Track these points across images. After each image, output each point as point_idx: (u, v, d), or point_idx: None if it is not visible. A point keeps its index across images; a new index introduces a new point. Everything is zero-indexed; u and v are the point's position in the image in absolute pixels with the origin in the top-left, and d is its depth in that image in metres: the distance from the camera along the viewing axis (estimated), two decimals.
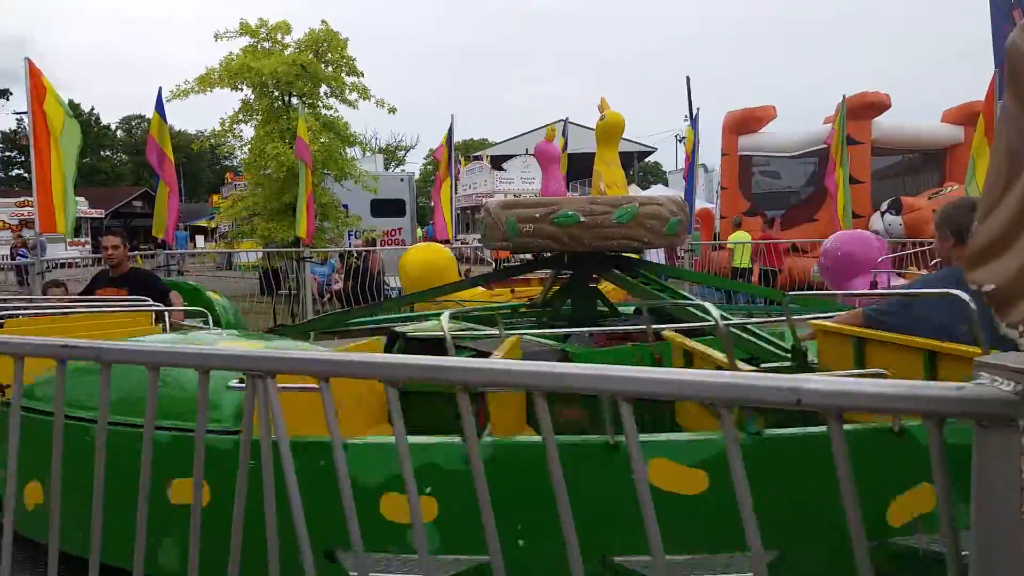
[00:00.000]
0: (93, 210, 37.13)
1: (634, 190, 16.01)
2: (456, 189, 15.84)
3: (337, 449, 1.58)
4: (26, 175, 45.94)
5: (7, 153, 59.94)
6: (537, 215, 5.74)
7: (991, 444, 1.02)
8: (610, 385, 1.24)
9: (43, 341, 2.10)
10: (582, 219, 5.66)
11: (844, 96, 12.66)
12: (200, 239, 39.71)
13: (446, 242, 15.22)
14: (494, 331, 4.83)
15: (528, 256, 8.15)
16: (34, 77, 8.26)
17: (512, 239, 5.91)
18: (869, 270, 8.78)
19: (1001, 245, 1.04)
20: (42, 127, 8.33)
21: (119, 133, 67.02)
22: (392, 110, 17.28)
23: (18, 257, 21.74)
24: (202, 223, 40.70)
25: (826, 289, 9.37)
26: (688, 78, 33.62)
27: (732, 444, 1.20)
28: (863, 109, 14.31)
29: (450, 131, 14.76)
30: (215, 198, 37.11)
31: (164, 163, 10.40)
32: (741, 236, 14.19)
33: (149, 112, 11.27)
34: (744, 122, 16.34)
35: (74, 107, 60.11)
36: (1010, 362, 1.02)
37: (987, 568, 0.99)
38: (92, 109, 62.97)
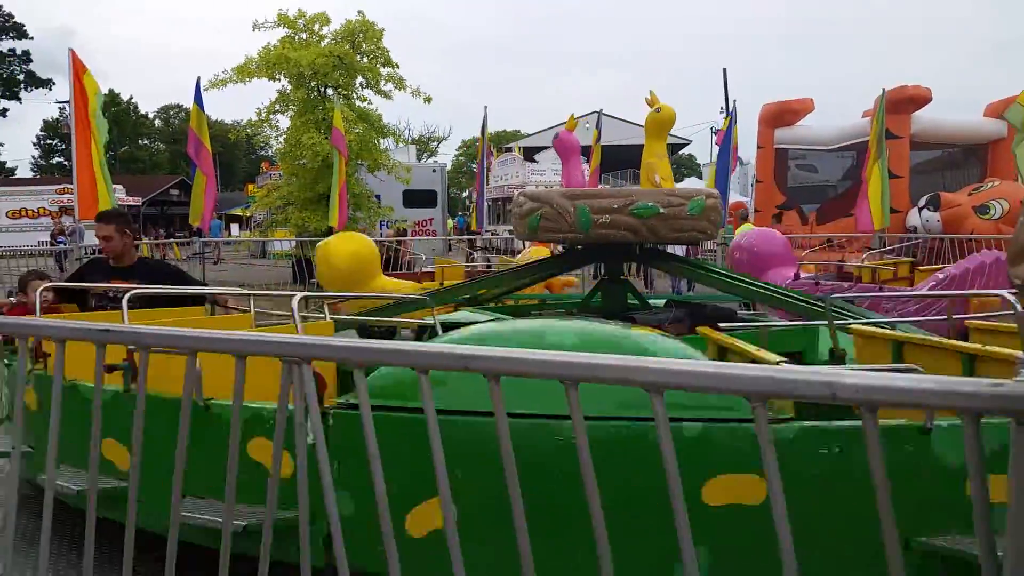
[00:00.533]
0: (130, 198, 37.70)
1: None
2: (487, 181, 15.82)
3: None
4: (66, 163, 46.86)
5: (48, 141, 61.17)
6: (616, 206, 5.56)
7: None
8: (641, 376, 1.24)
9: (83, 325, 2.15)
10: (662, 210, 5.55)
11: (884, 89, 12.44)
12: (235, 227, 40.22)
13: (476, 233, 15.26)
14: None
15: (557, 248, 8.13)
16: (76, 67, 8.42)
17: (582, 231, 5.65)
18: (776, 264, 9.48)
19: None
20: (83, 116, 8.48)
21: (157, 122, 68.01)
22: (427, 99, 17.37)
23: (57, 243, 22.15)
24: (237, 212, 41.18)
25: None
26: (725, 71, 33.22)
27: (765, 438, 1.19)
28: (903, 103, 14.04)
29: (484, 123, 14.78)
30: (250, 187, 37.54)
31: (202, 153, 10.57)
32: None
33: (187, 101, 11.52)
34: (781, 115, 16.13)
35: (113, 96, 60.92)
36: None
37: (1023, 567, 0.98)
38: (131, 98, 63.98)
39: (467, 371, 1.44)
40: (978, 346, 3.27)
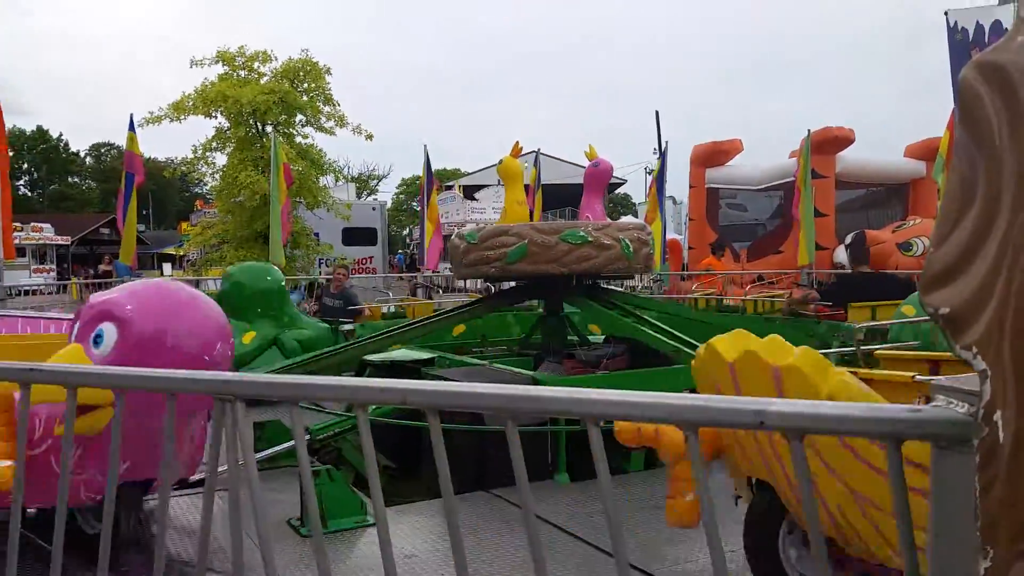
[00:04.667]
0: (59, 237, 36.55)
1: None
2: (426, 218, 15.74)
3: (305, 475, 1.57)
4: None
5: None
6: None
7: (948, 464, 1.05)
8: (583, 408, 1.26)
9: (8, 365, 2.08)
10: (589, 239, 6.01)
11: (809, 131, 12.93)
12: (167, 267, 39.23)
13: (416, 270, 15.18)
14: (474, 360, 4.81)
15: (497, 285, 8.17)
16: None
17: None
18: None
19: (955, 271, 1.08)
20: (3, 154, 8.28)
21: (88, 160, 66.26)
22: (369, 136, 17.42)
23: None
24: (170, 250, 40.24)
25: None
26: (657, 112, 34.16)
27: (699, 465, 1.22)
28: (828, 143, 14.62)
29: (427, 161, 14.76)
30: (184, 225, 36.78)
31: (135, 161, 10.58)
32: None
33: (119, 139, 11.45)
34: (711, 155, 16.60)
35: (42, 133, 58.99)
36: (964, 385, 1.05)
37: None
38: (60, 135, 62.31)
39: (405, 404, 1.44)
40: None
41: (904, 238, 13.80)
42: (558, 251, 5.85)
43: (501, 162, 6.89)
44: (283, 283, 8.44)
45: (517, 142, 7.02)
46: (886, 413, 1.07)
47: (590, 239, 5.90)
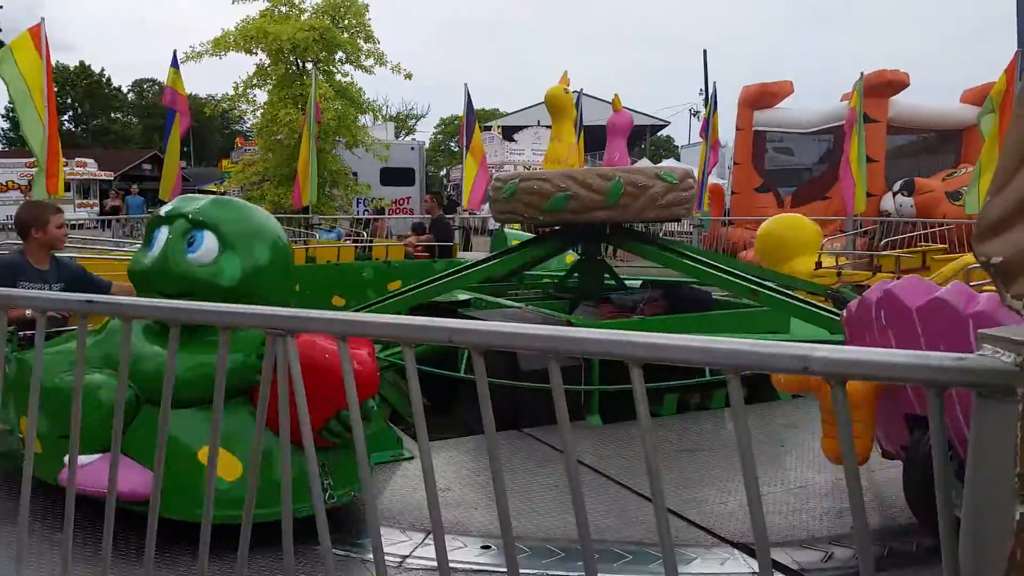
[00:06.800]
0: (102, 172, 37.11)
1: (645, 163, 15.96)
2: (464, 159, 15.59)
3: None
4: None
5: (15, 113, 59.73)
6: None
7: (989, 412, 1.06)
8: (624, 350, 1.28)
9: (69, 297, 2.16)
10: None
11: (862, 73, 12.54)
12: None
13: (452, 212, 15.11)
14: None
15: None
16: (35, 38, 8.23)
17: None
18: None
19: (1011, 220, 1.07)
20: (50, 87, 8.34)
21: (130, 96, 66.77)
22: (408, 76, 17.30)
23: None
24: (211, 187, 40.71)
25: None
26: (705, 52, 33.31)
27: (739, 409, 1.24)
28: (881, 87, 14.18)
29: (468, 101, 14.55)
30: (225, 162, 37.12)
31: (177, 100, 10.63)
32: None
33: (161, 76, 11.46)
34: (760, 97, 16.22)
35: (85, 68, 59.13)
36: (1012, 334, 1.05)
37: (979, 528, 1.03)
38: (102, 71, 62.72)
39: (451, 343, 1.47)
40: None
41: (953, 187, 13.43)
42: None
43: (566, 91, 6.64)
44: None
45: (565, 72, 6.80)
46: (931, 360, 1.08)
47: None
